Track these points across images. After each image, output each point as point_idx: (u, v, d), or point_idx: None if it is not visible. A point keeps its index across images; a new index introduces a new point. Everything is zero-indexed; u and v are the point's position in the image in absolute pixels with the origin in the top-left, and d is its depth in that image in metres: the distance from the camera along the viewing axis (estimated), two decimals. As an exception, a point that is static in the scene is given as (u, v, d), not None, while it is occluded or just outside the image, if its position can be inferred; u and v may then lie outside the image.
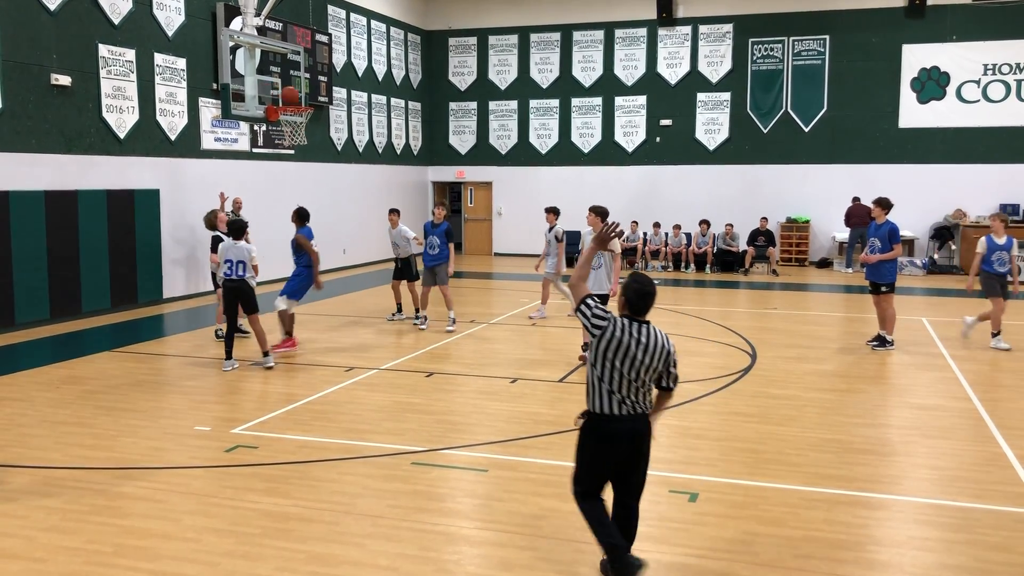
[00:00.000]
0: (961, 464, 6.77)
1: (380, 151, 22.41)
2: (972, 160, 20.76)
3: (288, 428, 7.65)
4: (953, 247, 20.69)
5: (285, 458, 6.84)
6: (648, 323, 4.58)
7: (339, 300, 15.78)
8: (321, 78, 19.21)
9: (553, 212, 13.35)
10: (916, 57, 21.05)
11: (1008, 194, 20.51)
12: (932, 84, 21.00)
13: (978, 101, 20.77)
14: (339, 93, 20.33)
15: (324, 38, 19.38)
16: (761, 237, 20.77)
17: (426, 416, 8.08)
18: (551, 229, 13.20)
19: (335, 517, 5.65)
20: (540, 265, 13.61)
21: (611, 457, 4.59)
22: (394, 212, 13.55)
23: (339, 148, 20.48)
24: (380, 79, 22.32)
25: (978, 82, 20.72)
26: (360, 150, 21.41)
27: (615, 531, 4.63)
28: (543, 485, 6.24)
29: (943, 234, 20.79)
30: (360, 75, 21.36)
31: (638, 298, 4.54)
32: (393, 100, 23.00)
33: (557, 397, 8.82)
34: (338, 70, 20.26)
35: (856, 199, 20.54)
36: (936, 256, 20.65)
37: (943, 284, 18.31)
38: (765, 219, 21.01)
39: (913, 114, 21.19)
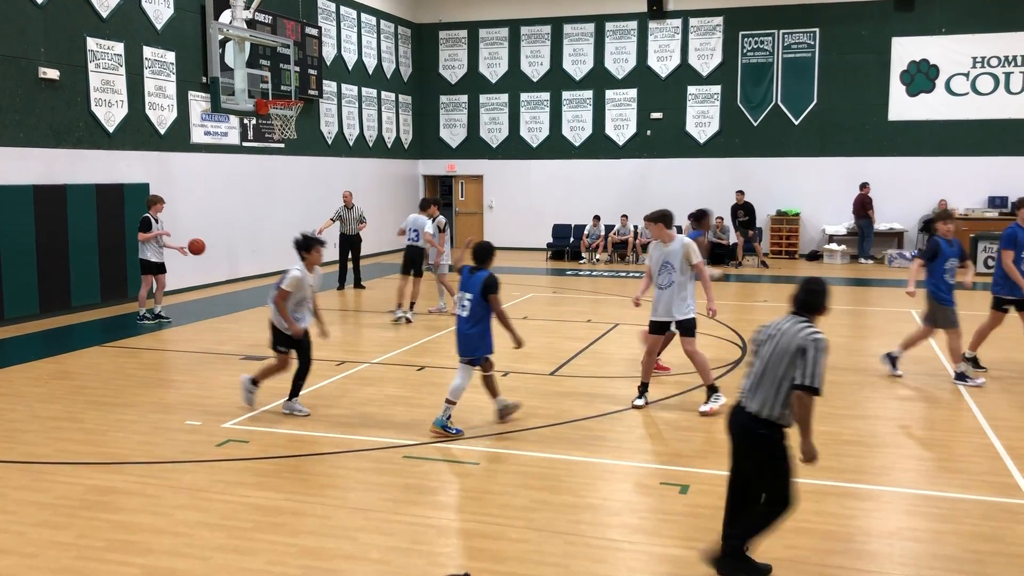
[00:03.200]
0: (949, 455, 6.81)
1: (371, 145, 22.35)
2: (961, 153, 20.83)
3: (279, 422, 7.64)
4: (942, 239, 20.75)
5: (276, 452, 6.84)
6: (801, 318, 4.58)
7: (329, 294, 15.75)
8: (311, 71, 19.14)
9: (435, 204, 13.31)
10: (905, 50, 21.09)
11: (997, 187, 20.60)
12: (921, 77, 21.05)
13: (967, 94, 20.83)
14: (329, 86, 20.27)
15: (314, 31, 19.31)
16: (740, 211, 20.75)
17: (418, 409, 8.08)
18: (433, 220, 13.07)
19: (327, 511, 5.66)
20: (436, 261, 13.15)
21: (730, 443, 4.76)
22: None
23: (329, 142, 20.42)
24: (370, 72, 22.25)
25: (967, 75, 20.78)
26: (350, 144, 21.36)
27: (728, 523, 4.71)
28: (535, 478, 6.26)
29: (932, 226, 20.83)
30: (350, 68, 21.29)
31: (804, 294, 4.64)
32: (383, 93, 22.93)
33: (549, 390, 8.84)
34: (328, 63, 20.19)
35: (864, 185, 20.59)
36: (925, 248, 20.69)
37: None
38: (741, 192, 20.94)
39: (903, 107, 21.24)
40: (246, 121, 17.20)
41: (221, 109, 12.92)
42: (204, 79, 15.87)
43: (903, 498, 5.97)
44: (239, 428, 7.48)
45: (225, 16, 14.75)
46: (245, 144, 17.42)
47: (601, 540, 5.22)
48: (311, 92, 19.14)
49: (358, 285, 16.28)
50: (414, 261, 12.73)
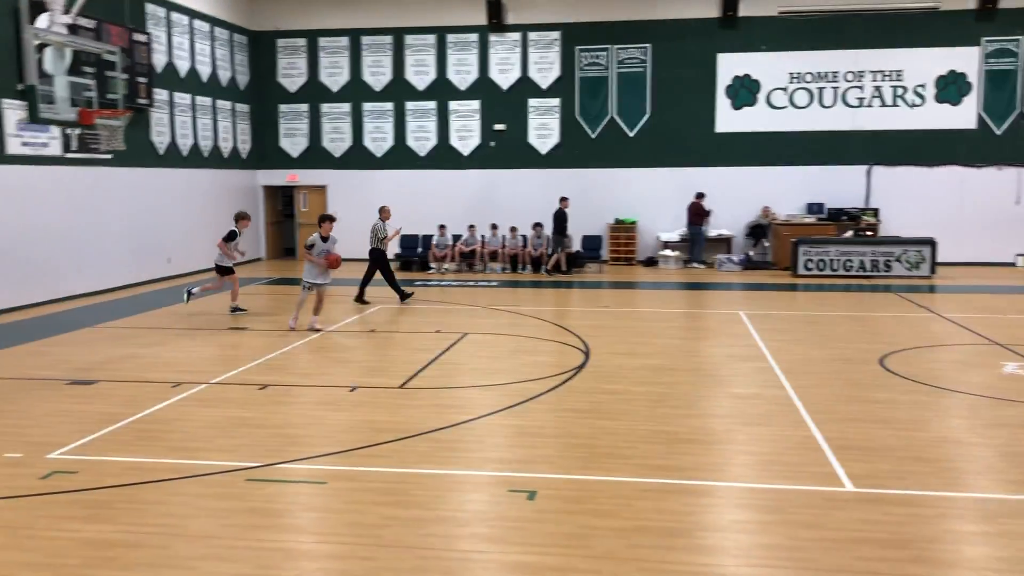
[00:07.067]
0: (776, 449, 7.27)
1: (206, 155, 21.53)
2: (781, 162, 22.27)
3: (111, 450, 7.25)
4: (767, 244, 22.11)
5: (108, 482, 6.48)
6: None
7: (163, 312, 15.04)
8: (140, 79, 18.26)
9: (329, 220, 13.57)
10: (730, 66, 22.36)
11: (814, 193, 22.15)
12: (744, 91, 22.36)
13: (786, 107, 22.30)
14: (160, 95, 19.39)
15: (142, 37, 18.43)
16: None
17: (261, 430, 7.86)
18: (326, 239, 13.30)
19: (164, 540, 5.42)
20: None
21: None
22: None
23: (161, 152, 19.53)
24: (204, 80, 21.45)
25: (785, 89, 22.24)
26: (184, 154, 20.50)
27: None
28: (384, 494, 6.22)
29: (757, 232, 22.20)
30: (183, 76, 20.45)
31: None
32: (219, 102, 22.16)
33: (398, 404, 8.79)
34: (159, 71, 19.32)
35: (700, 195, 21.59)
36: (752, 253, 21.99)
37: (758, 279, 19.51)
38: (566, 199, 21.04)
39: (728, 119, 22.48)
40: (69, 131, 16.20)
41: (40, 119, 12.11)
42: (20, 86, 14.85)
43: (735, 492, 6.32)
44: (66, 458, 7.03)
45: (42, 20, 13.85)
46: (68, 155, 16.40)
47: (451, 552, 5.25)
48: (140, 101, 18.26)
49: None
50: None
